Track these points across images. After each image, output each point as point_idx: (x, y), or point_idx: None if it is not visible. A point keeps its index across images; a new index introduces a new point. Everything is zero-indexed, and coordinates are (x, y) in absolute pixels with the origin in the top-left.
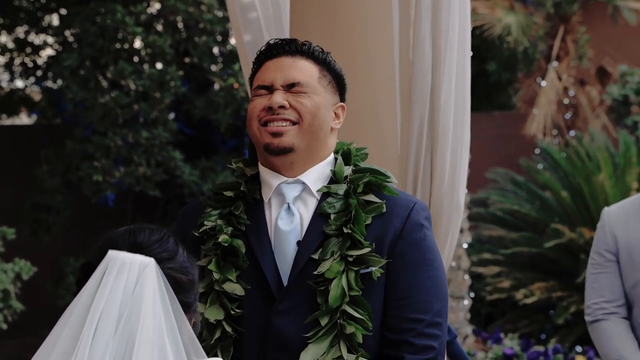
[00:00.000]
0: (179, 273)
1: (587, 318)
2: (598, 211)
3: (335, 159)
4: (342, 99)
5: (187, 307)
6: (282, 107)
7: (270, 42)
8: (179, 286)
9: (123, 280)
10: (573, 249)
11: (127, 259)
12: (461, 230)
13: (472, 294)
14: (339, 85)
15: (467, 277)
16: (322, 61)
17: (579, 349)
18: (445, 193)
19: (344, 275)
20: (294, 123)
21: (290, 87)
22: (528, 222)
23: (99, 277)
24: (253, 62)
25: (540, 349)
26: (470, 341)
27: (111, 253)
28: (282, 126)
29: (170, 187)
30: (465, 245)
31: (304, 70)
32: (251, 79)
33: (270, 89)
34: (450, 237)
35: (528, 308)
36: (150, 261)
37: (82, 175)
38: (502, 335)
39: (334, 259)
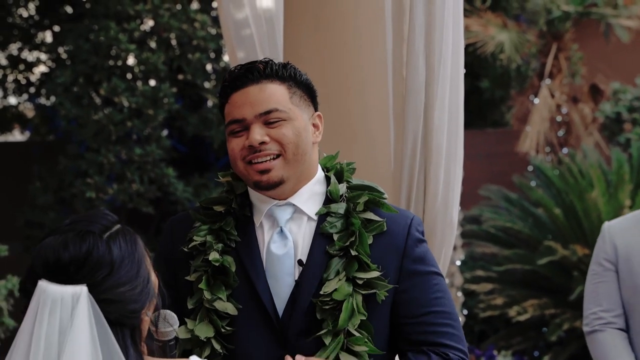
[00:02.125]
0: (119, 287)
1: (585, 328)
2: (591, 228)
3: (327, 177)
4: (316, 107)
5: (137, 312)
6: (262, 142)
7: (232, 71)
8: (122, 301)
9: (57, 319)
10: (566, 266)
11: (57, 295)
12: (454, 248)
13: (465, 311)
14: (310, 95)
15: (460, 294)
16: (288, 77)
17: None
18: (438, 210)
19: (352, 298)
20: (277, 155)
21: (264, 115)
22: (521, 239)
23: (34, 316)
24: (219, 94)
25: None
26: None
27: (41, 285)
28: (268, 161)
29: (164, 204)
30: (458, 263)
31: (274, 95)
32: (221, 112)
33: (244, 123)
34: (443, 254)
35: (521, 325)
36: (81, 291)
37: (75, 192)
38: (495, 352)
39: (340, 279)
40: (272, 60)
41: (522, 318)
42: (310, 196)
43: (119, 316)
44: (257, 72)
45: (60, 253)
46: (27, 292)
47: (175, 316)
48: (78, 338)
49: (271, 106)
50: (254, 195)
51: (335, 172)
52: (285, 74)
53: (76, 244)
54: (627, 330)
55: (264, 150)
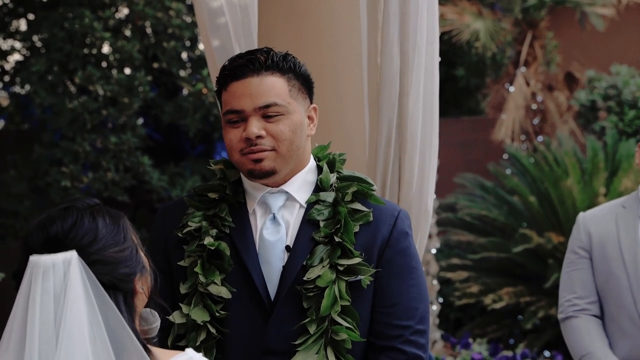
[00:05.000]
0: (107, 249)
1: (560, 316)
2: (566, 216)
3: (319, 166)
4: (312, 99)
5: (128, 276)
6: (259, 136)
7: (233, 60)
8: (112, 263)
9: (51, 284)
10: (541, 254)
11: (49, 262)
12: (430, 236)
13: (441, 299)
14: (308, 87)
15: (435, 282)
16: (288, 69)
17: (547, 353)
18: (413, 198)
19: (335, 285)
20: (271, 149)
21: (263, 109)
22: (496, 227)
23: (27, 287)
24: (217, 79)
25: (509, 354)
26: (438, 346)
27: (32, 259)
28: (261, 152)
29: (139, 193)
30: (433, 251)
31: (274, 88)
32: (218, 96)
33: (242, 115)
34: (418, 242)
35: (496, 313)
36: (72, 255)
37: (50, 180)
38: (470, 340)
39: (323, 266)
40: (273, 50)
41: (497, 306)
42: (302, 184)
43: (111, 278)
44: (258, 63)
45: (48, 227)
46: (20, 275)
47: (156, 313)
48: (75, 300)
49: (270, 100)
50: (247, 182)
51: (328, 161)
52: (285, 65)
53: (61, 217)
54: (601, 316)
55: (259, 145)
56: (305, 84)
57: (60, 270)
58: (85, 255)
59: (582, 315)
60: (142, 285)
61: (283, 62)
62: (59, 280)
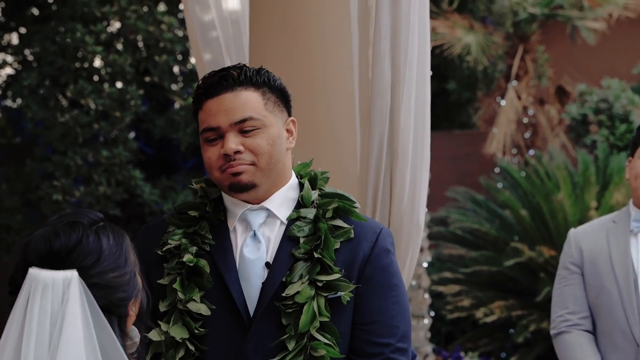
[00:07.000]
0: (108, 273)
1: (552, 331)
2: (557, 230)
3: (300, 183)
4: (290, 112)
5: (124, 300)
6: (237, 152)
7: (206, 78)
8: (111, 287)
9: (49, 302)
10: (532, 268)
11: (49, 278)
12: (421, 249)
13: (433, 313)
14: (284, 100)
15: (427, 295)
16: (262, 83)
17: None
18: (405, 212)
19: (314, 301)
20: (250, 164)
21: (239, 124)
22: (488, 240)
23: (25, 301)
24: (193, 99)
25: None
26: None
27: (32, 272)
28: (240, 166)
29: (131, 207)
30: (425, 264)
31: (248, 103)
32: (195, 117)
33: (218, 131)
34: (410, 255)
35: (488, 326)
36: (72, 275)
37: (42, 194)
38: (462, 354)
39: (303, 282)
40: (245, 65)
41: (489, 319)
42: (283, 201)
43: (107, 302)
44: (232, 79)
45: (52, 241)
46: (16, 286)
47: (136, 329)
48: (72, 321)
49: (246, 114)
50: (228, 199)
51: (309, 178)
52: (259, 79)
53: (66, 233)
54: (593, 332)
55: (238, 160)
56: (281, 97)
57: (60, 288)
58: (86, 277)
59: (574, 331)
60: (135, 309)
61: (256, 76)
62: (57, 299)
